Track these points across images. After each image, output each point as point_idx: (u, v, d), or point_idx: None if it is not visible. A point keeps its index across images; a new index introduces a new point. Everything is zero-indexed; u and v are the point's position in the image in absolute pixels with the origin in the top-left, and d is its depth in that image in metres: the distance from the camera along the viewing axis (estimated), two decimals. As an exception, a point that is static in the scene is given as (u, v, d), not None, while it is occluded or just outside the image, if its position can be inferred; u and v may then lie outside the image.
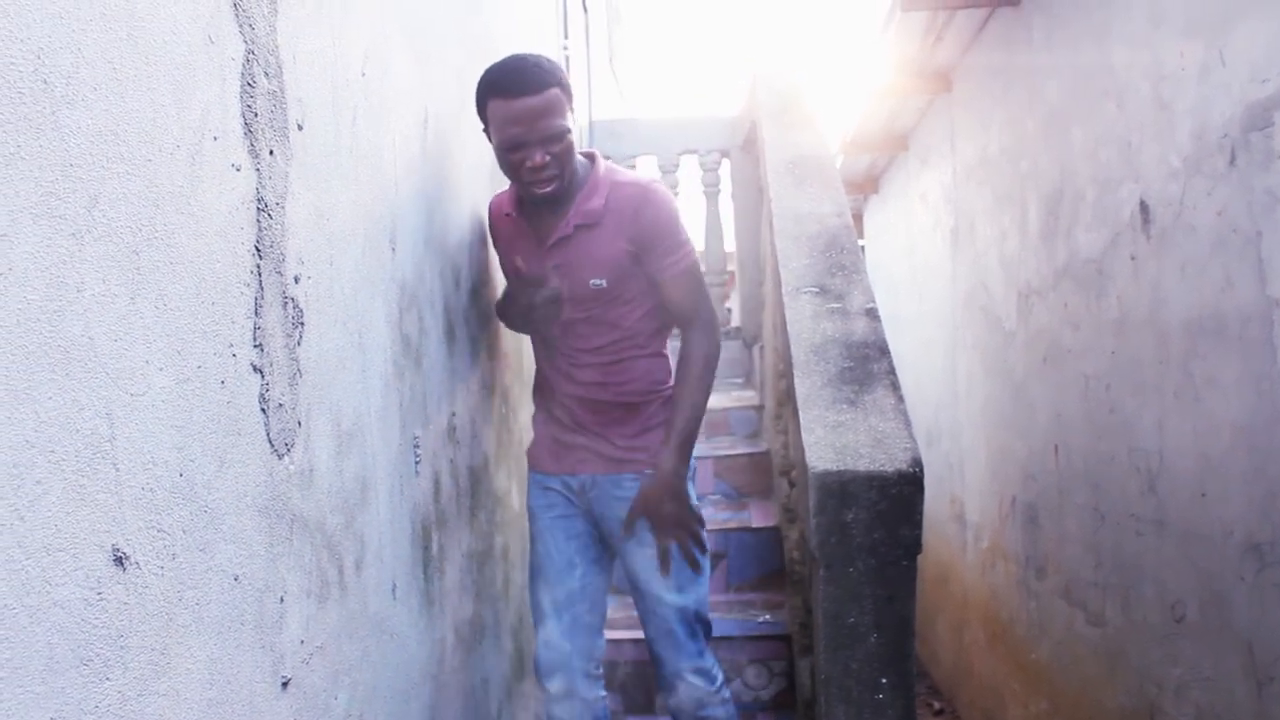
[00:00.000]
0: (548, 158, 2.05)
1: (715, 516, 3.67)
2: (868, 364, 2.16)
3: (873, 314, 2.33)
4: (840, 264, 2.53)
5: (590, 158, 2.26)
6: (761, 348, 4.42)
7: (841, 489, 1.86)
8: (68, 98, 0.90)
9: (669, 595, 2.23)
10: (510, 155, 2.07)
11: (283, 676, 1.32)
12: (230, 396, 1.19)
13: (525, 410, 3.03)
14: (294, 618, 1.36)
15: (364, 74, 1.69)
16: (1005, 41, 4.17)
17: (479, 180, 2.58)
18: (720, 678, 2.31)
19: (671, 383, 2.31)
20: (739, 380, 5.09)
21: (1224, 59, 2.39)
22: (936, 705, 5.46)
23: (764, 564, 3.52)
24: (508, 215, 2.28)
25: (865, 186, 7.63)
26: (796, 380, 2.16)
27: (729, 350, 5.13)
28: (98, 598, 0.93)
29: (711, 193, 5.11)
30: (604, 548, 2.37)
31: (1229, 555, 2.47)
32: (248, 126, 1.25)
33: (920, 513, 1.86)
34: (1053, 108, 3.61)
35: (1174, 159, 2.66)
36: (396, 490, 1.82)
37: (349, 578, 1.57)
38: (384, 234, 1.79)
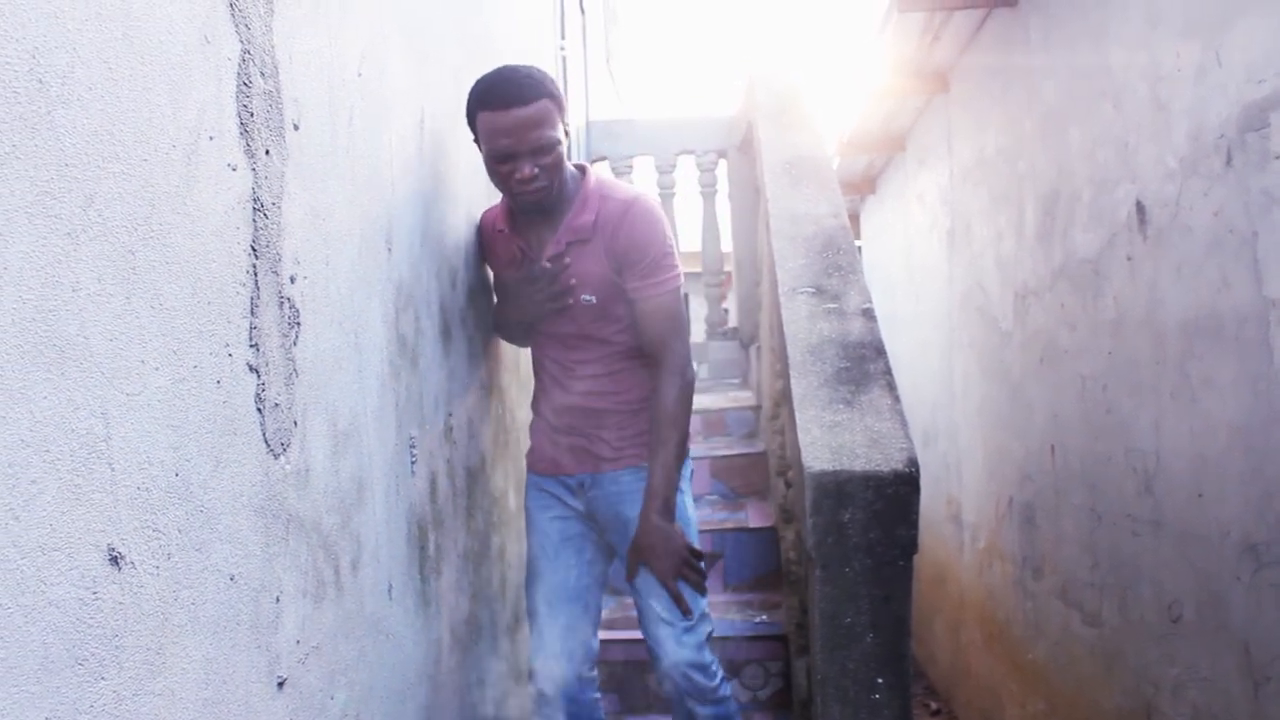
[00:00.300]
0: (537, 169, 2.04)
1: (712, 517, 3.67)
2: (864, 364, 2.17)
3: (869, 314, 2.33)
4: (837, 264, 2.53)
5: (581, 170, 2.24)
6: (758, 348, 4.42)
7: (838, 489, 1.86)
8: (63, 97, 0.90)
9: (681, 635, 2.20)
10: (499, 166, 2.06)
11: (279, 676, 1.32)
12: (226, 396, 1.19)
13: (522, 410, 3.03)
14: (290, 618, 1.36)
15: (360, 74, 1.69)
16: (1002, 42, 4.17)
17: (476, 181, 2.58)
18: (719, 674, 2.29)
19: None
20: (736, 381, 5.09)
21: (1221, 60, 2.40)
22: (933, 705, 5.46)
23: (761, 564, 3.52)
24: (500, 231, 2.27)
25: (862, 187, 7.64)
26: (793, 380, 2.16)
27: (726, 351, 5.13)
28: (93, 597, 0.93)
29: (708, 193, 5.11)
30: (600, 549, 2.36)
31: (1225, 555, 2.47)
32: (244, 126, 1.25)
33: (916, 513, 1.87)
34: (1050, 108, 3.62)
35: (1171, 160, 2.67)
36: (393, 490, 1.82)
37: (345, 578, 1.57)
38: (380, 234, 1.79)
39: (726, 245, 5.20)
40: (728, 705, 2.29)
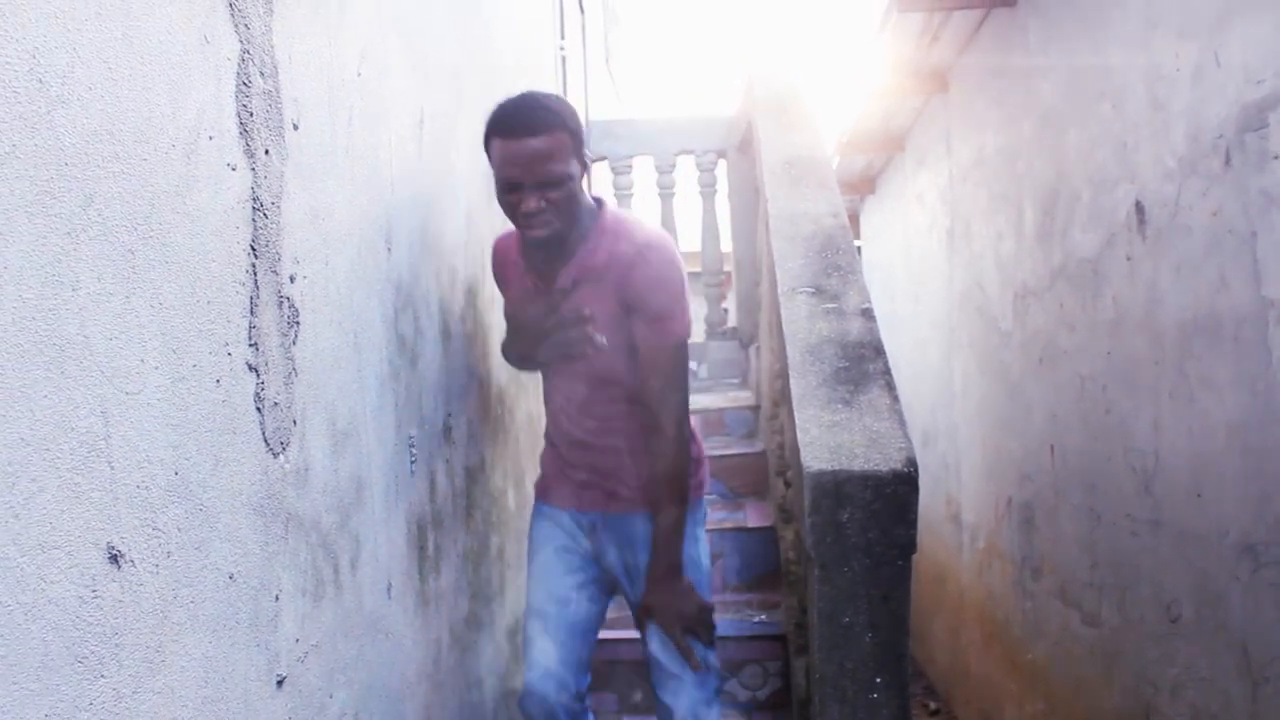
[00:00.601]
0: (543, 203, 1.96)
1: (711, 517, 3.67)
2: (863, 364, 2.17)
3: (868, 314, 2.33)
4: (836, 264, 2.53)
5: (598, 204, 2.14)
6: (758, 348, 4.42)
7: (836, 488, 1.86)
8: (63, 97, 0.91)
9: (690, 690, 2.17)
10: (507, 196, 1.99)
11: (278, 675, 1.32)
12: (226, 395, 1.20)
13: (521, 410, 3.03)
14: (289, 616, 1.36)
15: (360, 74, 1.70)
16: (1001, 42, 4.18)
17: (475, 181, 2.58)
18: (714, 683, 2.24)
19: None
20: (735, 381, 5.09)
21: (1219, 60, 2.40)
22: (933, 705, 5.47)
23: (759, 564, 3.52)
24: (514, 261, 2.19)
25: (862, 187, 7.64)
26: (792, 380, 2.16)
27: (725, 351, 5.13)
28: (93, 595, 0.93)
29: (708, 193, 5.11)
30: (601, 587, 2.29)
31: (1224, 555, 2.47)
32: (243, 126, 1.25)
33: (915, 512, 1.87)
34: (1048, 109, 3.62)
35: (1169, 160, 2.67)
36: (392, 490, 1.82)
37: (344, 577, 1.57)
38: (380, 234, 1.79)
39: (726, 245, 5.20)
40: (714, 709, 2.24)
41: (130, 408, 1.00)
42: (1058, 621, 3.72)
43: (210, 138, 1.17)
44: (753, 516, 3.66)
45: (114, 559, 0.96)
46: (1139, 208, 2.86)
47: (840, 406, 2.05)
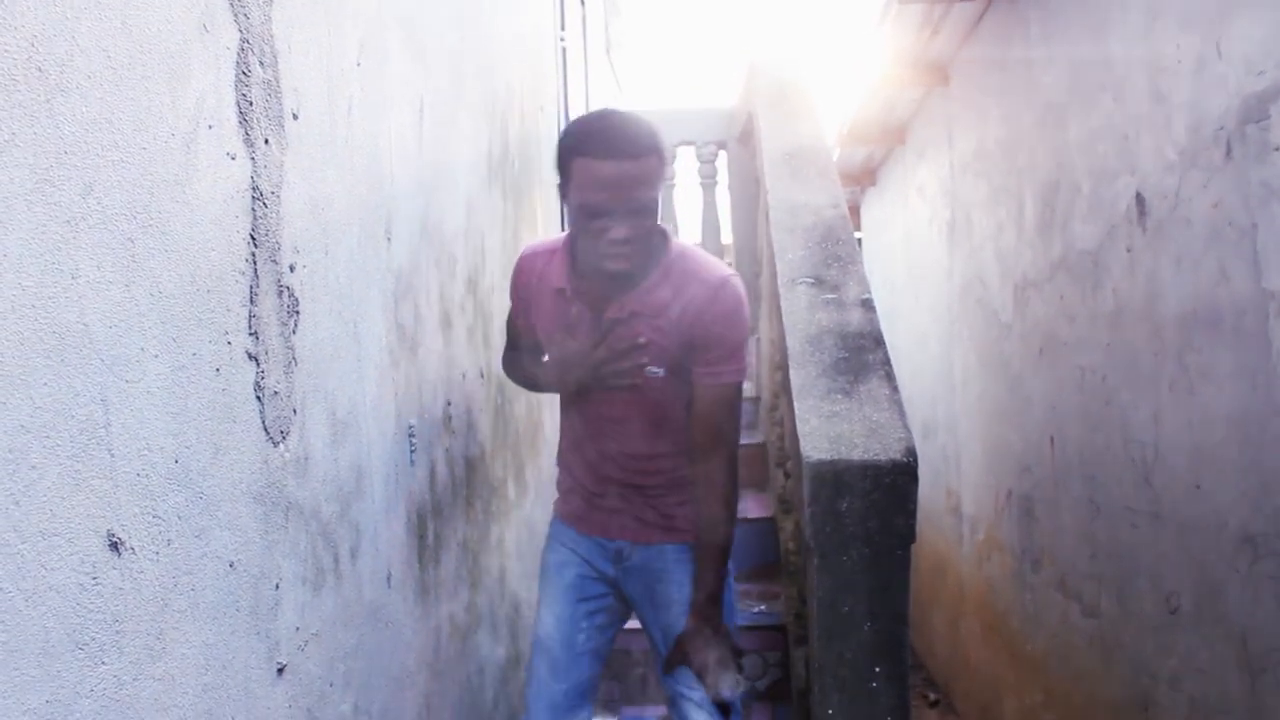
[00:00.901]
0: (631, 232, 1.82)
1: (711, 508, 3.67)
2: (863, 354, 2.17)
3: (868, 305, 2.34)
4: (836, 255, 2.54)
5: (663, 235, 1.99)
6: (758, 339, 4.43)
7: (836, 478, 1.86)
8: (62, 85, 0.91)
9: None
10: (590, 223, 1.81)
11: (278, 663, 1.33)
12: (225, 384, 1.20)
13: (521, 401, 3.04)
14: (289, 605, 1.37)
15: (359, 64, 1.70)
16: (1002, 34, 4.17)
17: (475, 170, 2.58)
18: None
19: None
20: (736, 372, 5.08)
21: (1220, 52, 2.40)
22: (932, 696, 5.48)
23: (759, 555, 3.53)
24: (559, 290, 1.99)
25: (862, 179, 7.63)
26: (792, 371, 2.17)
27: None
28: (93, 582, 0.94)
29: (708, 184, 5.11)
30: (614, 616, 2.20)
31: (1223, 547, 2.48)
32: (243, 115, 1.25)
33: (914, 502, 1.87)
34: (1049, 100, 3.61)
35: (1170, 152, 2.67)
36: (392, 479, 1.83)
37: (344, 566, 1.57)
38: (379, 223, 1.79)
39: (726, 237, 5.20)
40: None
41: (130, 396, 1.00)
42: (1057, 613, 3.73)
43: (210, 127, 1.17)
44: (753, 507, 3.67)
45: (114, 546, 0.97)
46: (1139, 200, 2.86)
47: (840, 397, 2.05)
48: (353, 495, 1.62)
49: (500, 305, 2.49)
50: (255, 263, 1.28)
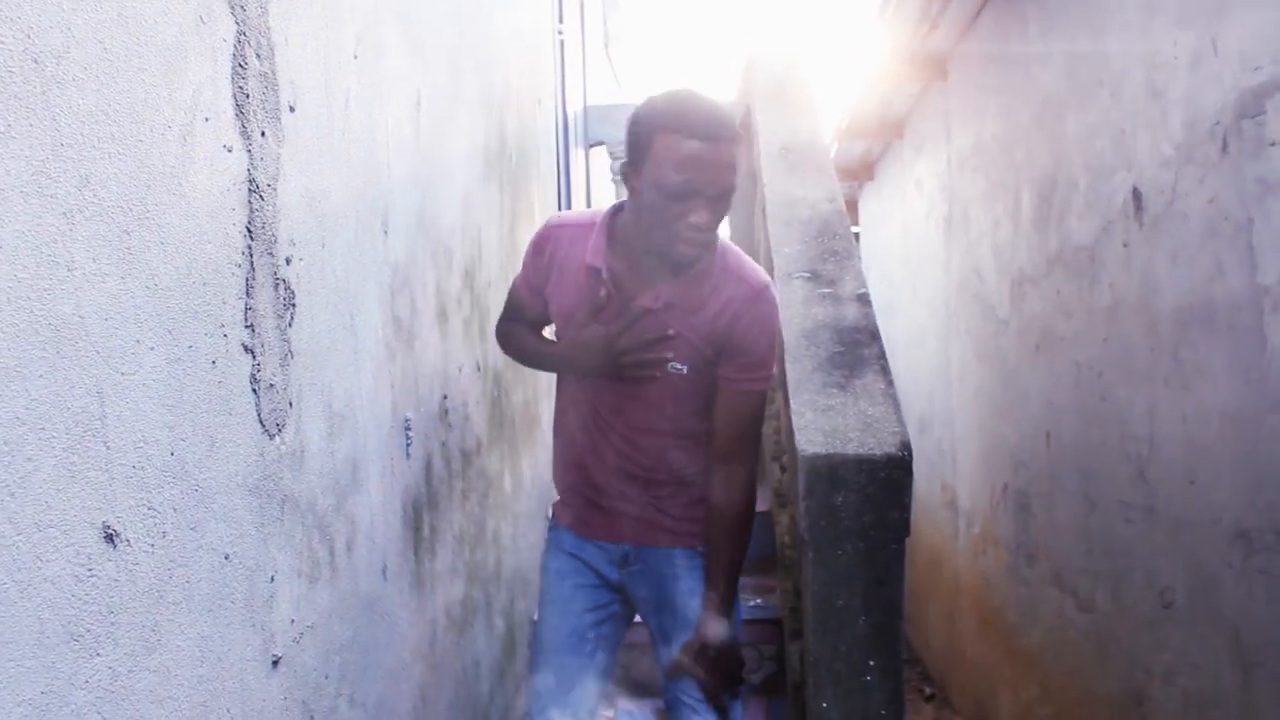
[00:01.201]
0: (713, 219, 1.76)
1: (708, 501, 3.67)
2: (858, 349, 2.17)
3: (864, 299, 2.34)
4: (832, 249, 2.54)
5: None
6: (755, 334, 4.42)
7: (831, 472, 1.87)
8: (58, 77, 0.91)
9: None
10: (672, 204, 1.72)
11: (273, 655, 1.33)
12: (221, 376, 1.20)
13: (518, 394, 3.04)
14: (284, 597, 1.37)
15: (356, 56, 1.70)
16: (1000, 29, 4.17)
17: (472, 164, 2.58)
18: None
19: None
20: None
21: (1216, 47, 2.40)
22: (928, 691, 5.49)
23: (755, 548, 3.52)
24: (593, 268, 1.88)
25: (860, 173, 7.63)
26: (788, 365, 2.17)
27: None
28: (88, 574, 0.94)
29: (706, 178, 5.10)
30: (619, 622, 2.12)
31: (1217, 542, 2.48)
32: (239, 108, 1.25)
33: (909, 496, 1.88)
34: (1047, 95, 3.61)
35: (1166, 147, 2.67)
36: (388, 472, 1.83)
37: (340, 558, 1.58)
38: (376, 216, 1.79)
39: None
40: None
41: (126, 388, 1.00)
42: (1052, 607, 3.73)
43: (206, 119, 1.17)
44: (749, 501, 3.67)
45: (110, 538, 0.97)
46: (1136, 195, 2.87)
47: (835, 391, 2.05)
48: (349, 488, 1.62)
49: (497, 300, 2.48)
50: (251, 255, 1.28)
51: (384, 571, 1.79)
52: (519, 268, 2.03)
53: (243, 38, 1.26)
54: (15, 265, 0.85)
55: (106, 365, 0.97)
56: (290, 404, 1.39)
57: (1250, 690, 2.36)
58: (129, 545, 1.00)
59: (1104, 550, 3.22)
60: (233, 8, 1.24)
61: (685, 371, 1.88)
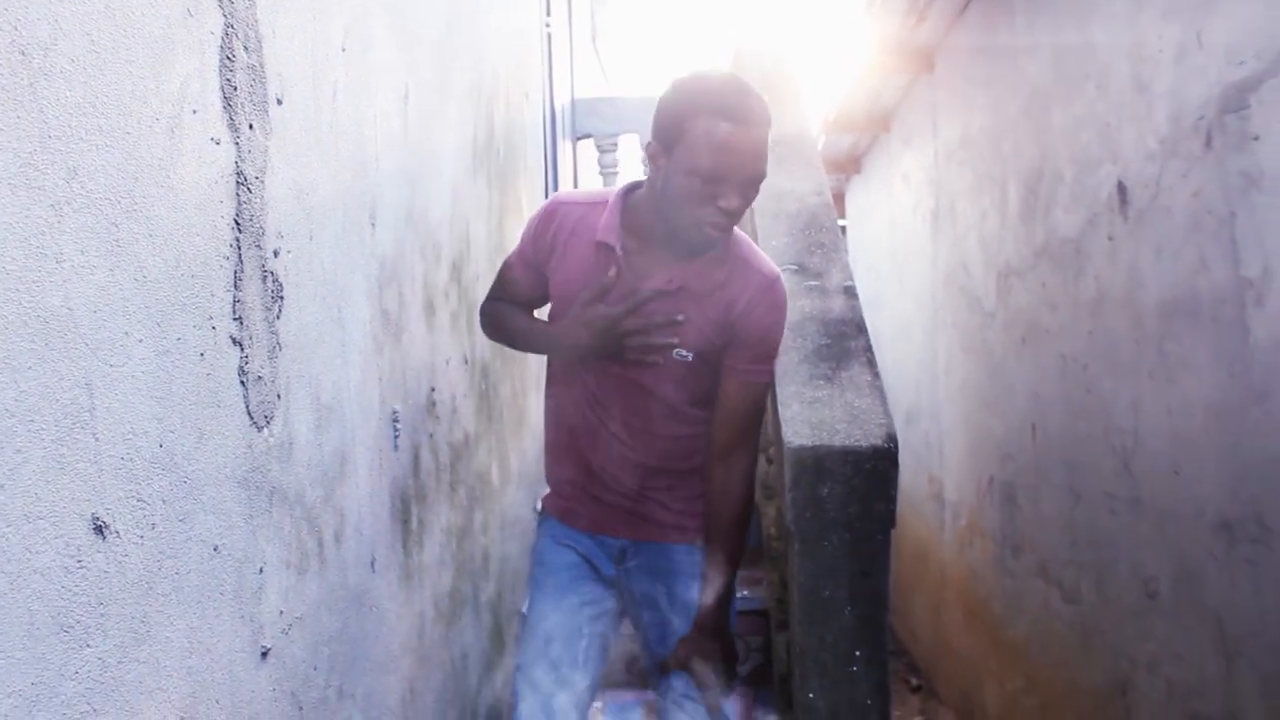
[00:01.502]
0: (743, 204, 1.74)
1: (695, 494, 3.68)
2: (845, 341, 2.18)
3: (850, 292, 2.35)
4: (819, 242, 2.55)
5: None
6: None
7: (817, 464, 1.88)
8: (45, 69, 0.91)
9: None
10: (703, 187, 1.69)
11: (262, 646, 1.33)
12: (210, 369, 1.20)
13: (506, 386, 3.04)
14: (273, 589, 1.37)
15: (344, 49, 1.69)
16: (987, 21, 4.18)
17: (461, 157, 2.58)
18: None
19: None
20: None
21: (1201, 41, 2.41)
22: (914, 682, 5.52)
23: (743, 541, 3.54)
24: (606, 245, 1.84)
25: (847, 166, 7.64)
26: (775, 357, 2.18)
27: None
28: (78, 565, 0.94)
29: (694, 171, 5.11)
30: (616, 617, 2.08)
31: (1201, 532, 2.50)
32: (227, 100, 1.25)
33: (894, 488, 1.89)
34: (1034, 89, 3.63)
35: (1151, 141, 2.69)
36: (376, 464, 1.83)
37: (328, 550, 1.58)
38: (364, 209, 1.79)
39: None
40: None
41: (114, 380, 1.00)
42: (1038, 599, 3.76)
43: (194, 111, 1.17)
44: (736, 494, 3.68)
45: (99, 530, 0.97)
46: (1121, 188, 2.88)
47: (822, 383, 2.06)
48: (337, 480, 1.62)
49: (484, 293, 2.48)
50: (239, 248, 1.28)
51: (372, 564, 1.79)
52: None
53: (230, 30, 1.26)
54: (4, 257, 0.85)
55: (95, 357, 0.97)
56: (278, 396, 1.39)
57: (1233, 679, 2.38)
58: (118, 537, 1.00)
59: (1089, 542, 3.24)
60: (220, 0, 1.24)
61: (690, 359, 1.85)
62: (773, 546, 3.10)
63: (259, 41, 1.34)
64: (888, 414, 1.96)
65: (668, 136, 1.73)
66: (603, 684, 3.19)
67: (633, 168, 5.23)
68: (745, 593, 3.30)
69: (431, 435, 2.23)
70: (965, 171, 4.61)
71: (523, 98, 3.77)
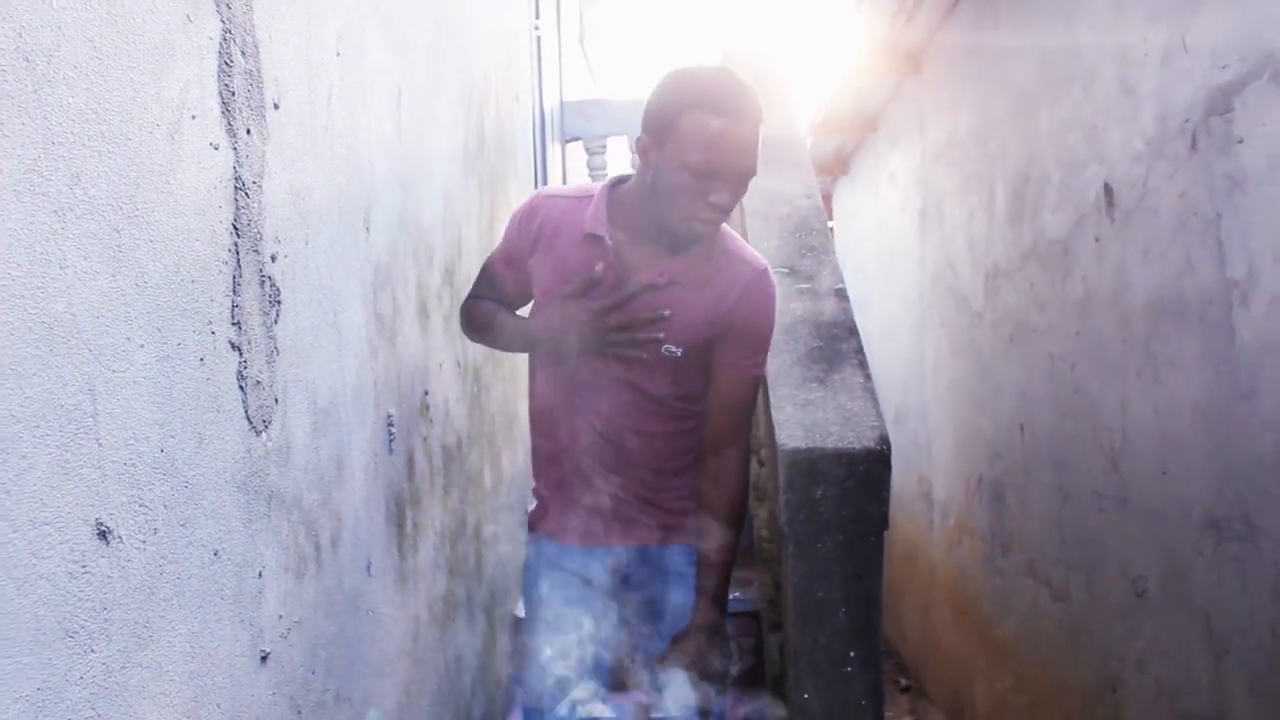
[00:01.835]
0: (734, 200, 1.74)
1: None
2: (836, 343, 2.20)
3: (841, 294, 2.37)
4: (810, 245, 2.56)
5: None
6: (732, 328, 4.44)
7: (810, 466, 1.89)
8: (49, 76, 0.91)
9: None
10: (694, 182, 1.69)
11: (262, 650, 1.34)
12: (209, 373, 1.20)
13: (497, 390, 3.05)
14: (272, 593, 1.37)
15: (338, 53, 1.70)
16: (975, 23, 4.21)
17: (452, 161, 2.59)
18: None
19: None
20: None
21: (1186, 45, 2.43)
22: (904, 682, 5.54)
23: (734, 542, 3.55)
24: (595, 237, 1.83)
25: (835, 168, 7.67)
26: (767, 359, 2.19)
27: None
28: (82, 571, 0.94)
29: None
30: (615, 630, 2.02)
31: (1189, 531, 2.53)
32: (225, 105, 1.25)
33: (887, 489, 1.90)
34: (1021, 90, 3.65)
35: (1138, 142, 2.71)
36: (371, 468, 1.83)
37: (325, 554, 1.58)
38: (358, 213, 1.79)
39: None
40: None
41: (117, 385, 1.01)
42: (1027, 597, 3.78)
43: (193, 117, 1.17)
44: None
45: (103, 535, 0.98)
46: (1108, 189, 2.90)
47: (814, 385, 2.08)
48: (333, 484, 1.63)
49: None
50: (238, 253, 1.29)
51: (368, 567, 1.80)
52: None
53: (228, 35, 1.26)
54: (9, 264, 0.85)
55: (98, 363, 0.97)
56: (276, 400, 1.40)
57: (1221, 676, 2.40)
58: (121, 542, 1.01)
59: (1077, 540, 3.26)
60: (218, 5, 1.24)
61: (679, 355, 1.83)
62: (764, 549, 3.11)
63: (256, 46, 1.35)
64: (880, 416, 1.98)
65: (659, 131, 1.72)
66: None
67: (622, 170, 5.23)
68: (737, 594, 3.31)
69: (425, 438, 2.23)
70: (953, 172, 4.63)
71: (512, 100, 3.77)
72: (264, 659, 1.34)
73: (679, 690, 1.91)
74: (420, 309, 2.22)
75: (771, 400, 2.07)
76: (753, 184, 2.91)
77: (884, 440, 1.91)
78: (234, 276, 1.27)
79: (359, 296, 1.79)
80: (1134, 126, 2.73)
